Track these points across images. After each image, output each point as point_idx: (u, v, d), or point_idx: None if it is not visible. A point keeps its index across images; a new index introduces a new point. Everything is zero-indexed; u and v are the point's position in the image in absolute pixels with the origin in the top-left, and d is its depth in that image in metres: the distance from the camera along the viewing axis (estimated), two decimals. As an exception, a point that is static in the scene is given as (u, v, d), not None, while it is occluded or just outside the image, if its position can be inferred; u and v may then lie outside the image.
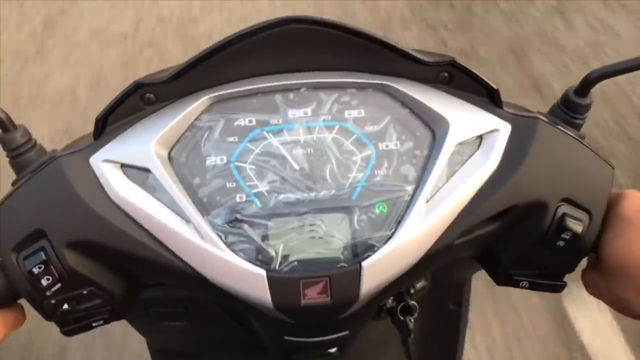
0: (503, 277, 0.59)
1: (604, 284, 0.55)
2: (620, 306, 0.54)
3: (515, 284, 0.59)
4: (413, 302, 0.70)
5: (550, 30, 3.06)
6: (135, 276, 0.56)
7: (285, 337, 0.63)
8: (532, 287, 0.59)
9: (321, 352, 0.70)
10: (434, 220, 0.51)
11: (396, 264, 0.52)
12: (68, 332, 0.56)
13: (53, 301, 0.52)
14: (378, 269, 0.51)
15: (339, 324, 0.61)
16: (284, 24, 0.50)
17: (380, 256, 0.51)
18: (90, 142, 0.54)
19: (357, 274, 0.51)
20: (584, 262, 0.59)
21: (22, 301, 0.54)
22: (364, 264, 0.51)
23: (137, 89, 0.53)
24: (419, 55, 0.53)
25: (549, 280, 0.58)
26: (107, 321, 0.57)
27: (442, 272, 0.76)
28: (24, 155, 0.54)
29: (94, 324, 0.56)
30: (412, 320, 0.70)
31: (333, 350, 0.71)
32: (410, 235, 0.51)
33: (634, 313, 0.53)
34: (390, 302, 0.71)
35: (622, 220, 0.53)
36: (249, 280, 0.51)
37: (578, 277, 0.59)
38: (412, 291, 0.72)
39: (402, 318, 0.70)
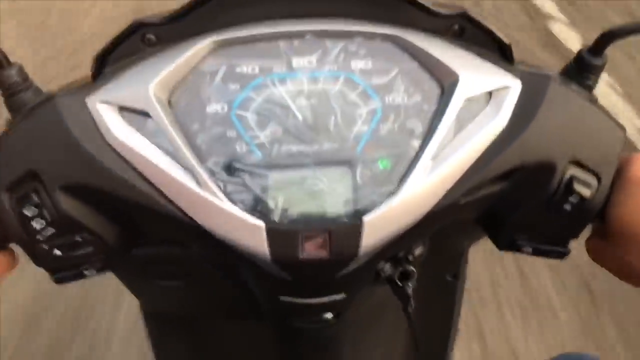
0: (506, 242, 0.58)
1: (609, 250, 0.54)
2: (625, 272, 0.53)
3: (519, 249, 0.58)
4: (412, 268, 0.69)
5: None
6: (131, 224, 0.54)
7: (281, 298, 0.62)
8: (536, 252, 0.58)
9: (317, 318, 0.70)
10: (439, 177, 0.50)
11: (398, 220, 0.51)
12: (59, 280, 0.55)
13: (45, 246, 0.51)
14: (379, 225, 0.50)
15: (336, 285, 0.60)
16: None
17: (382, 212, 0.50)
18: (88, 83, 0.52)
19: (357, 229, 0.50)
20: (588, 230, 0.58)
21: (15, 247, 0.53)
22: (365, 219, 0.49)
23: (138, 28, 0.51)
24: (430, 6, 0.51)
25: (553, 246, 0.57)
26: (99, 271, 0.56)
27: (441, 239, 0.75)
28: (19, 94, 0.52)
29: (85, 272, 0.55)
30: (411, 286, 0.69)
31: (329, 317, 0.70)
32: (414, 191, 0.50)
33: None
34: (388, 268, 0.70)
35: (631, 184, 0.52)
36: (247, 231, 0.49)
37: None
38: (410, 258, 0.71)
39: (400, 284, 0.69)
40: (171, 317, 0.93)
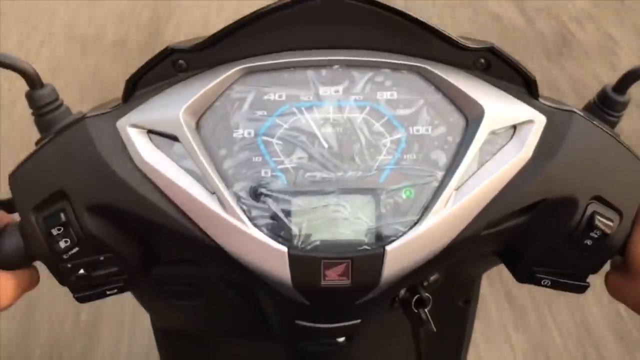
0: (525, 275, 0.58)
1: (630, 287, 0.53)
2: None
3: (537, 282, 0.58)
4: (427, 294, 0.69)
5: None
6: (154, 246, 0.55)
7: (296, 322, 0.62)
8: (554, 286, 0.58)
9: (329, 341, 0.70)
10: (461, 208, 0.50)
11: (420, 251, 0.51)
12: (81, 299, 0.55)
13: (69, 265, 0.52)
14: (401, 255, 0.50)
15: (353, 311, 0.61)
16: None
17: (405, 242, 0.50)
18: (118, 106, 0.53)
19: (380, 258, 0.50)
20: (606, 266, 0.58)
21: (38, 264, 0.54)
22: (388, 248, 0.50)
23: (170, 54, 0.52)
24: (457, 40, 0.52)
25: (572, 280, 0.57)
26: (121, 290, 0.56)
27: (457, 266, 0.75)
28: (50, 114, 0.53)
29: (108, 292, 0.55)
30: (427, 312, 0.69)
31: (341, 339, 0.70)
32: (436, 222, 0.50)
33: None
34: (403, 294, 0.70)
35: None
36: (270, 256, 0.50)
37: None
38: (425, 284, 0.71)
39: (415, 310, 0.69)
40: (184, 335, 0.93)
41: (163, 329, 0.95)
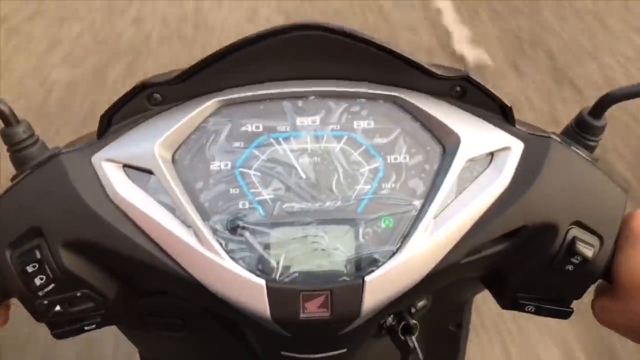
0: (509, 301, 0.58)
1: (618, 310, 0.53)
2: (636, 332, 0.52)
3: (521, 308, 0.58)
4: (414, 321, 0.68)
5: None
6: (131, 280, 0.54)
7: (282, 353, 0.61)
8: (538, 312, 0.57)
9: None
10: (441, 237, 0.50)
11: (400, 280, 0.50)
12: (59, 335, 0.54)
13: (45, 302, 0.51)
14: (381, 285, 0.50)
15: (338, 341, 0.60)
16: (294, 30, 0.49)
17: (384, 271, 0.49)
18: (93, 141, 0.53)
19: (359, 289, 0.49)
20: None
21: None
22: (367, 278, 0.49)
23: (144, 89, 0.52)
24: (432, 69, 0.52)
25: (556, 305, 0.57)
26: (99, 325, 0.55)
27: (444, 291, 0.74)
28: (25, 150, 0.53)
29: (86, 328, 0.55)
30: (414, 340, 0.69)
31: None
32: (415, 251, 0.50)
33: None
34: (390, 320, 0.69)
35: (635, 240, 0.51)
36: (248, 289, 0.49)
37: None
38: (413, 310, 0.71)
39: (402, 337, 0.68)
40: None
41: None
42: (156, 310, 0.70)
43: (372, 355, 0.83)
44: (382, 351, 0.82)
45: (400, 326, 0.68)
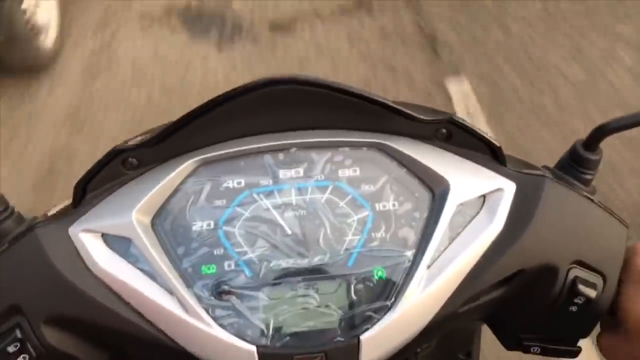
0: (513, 342, 0.56)
1: (624, 347, 0.51)
2: None
3: (526, 349, 0.55)
4: None
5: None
6: (117, 351, 0.52)
7: None
8: (544, 352, 0.55)
9: None
10: (436, 288, 0.48)
11: (397, 336, 0.48)
12: None
13: None
14: (377, 342, 0.48)
15: None
16: (268, 85, 0.48)
17: (380, 329, 0.47)
18: (69, 211, 0.51)
19: (355, 349, 0.47)
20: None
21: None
22: (362, 337, 0.47)
23: (117, 155, 0.50)
24: (414, 113, 0.50)
25: (562, 345, 0.54)
26: None
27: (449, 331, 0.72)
28: (1, 224, 0.51)
29: None
30: None
31: None
32: (411, 305, 0.47)
33: None
34: None
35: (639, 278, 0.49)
36: (239, 357, 0.47)
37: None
38: (418, 350, 0.68)
39: None
40: None
41: None
42: None
43: None
44: None
45: None
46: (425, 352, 0.69)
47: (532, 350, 0.55)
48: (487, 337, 0.69)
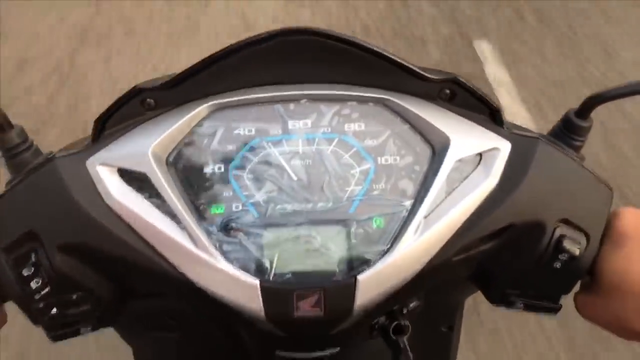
0: (498, 297, 0.59)
1: (601, 306, 0.54)
2: (618, 327, 0.53)
3: (510, 305, 0.59)
4: (406, 322, 0.69)
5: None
6: (127, 283, 0.55)
7: (276, 352, 0.62)
8: (527, 308, 0.58)
9: None
10: (431, 236, 0.51)
11: (392, 279, 0.51)
12: (55, 337, 0.55)
13: (41, 305, 0.51)
14: (373, 284, 0.51)
15: (331, 340, 0.61)
16: (284, 34, 0.50)
17: (376, 270, 0.50)
18: (88, 145, 0.53)
19: (351, 288, 0.50)
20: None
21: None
22: (360, 277, 0.50)
23: (137, 93, 0.52)
24: (421, 71, 0.53)
25: (544, 301, 0.58)
26: (95, 327, 0.56)
27: (437, 293, 0.75)
28: (20, 156, 0.53)
29: (82, 330, 0.55)
30: (405, 341, 0.69)
31: None
32: (406, 250, 0.50)
33: (634, 332, 0.52)
34: (382, 320, 0.70)
35: (621, 238, 0.53)
36: (242, 290, 0.50)
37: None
38: (405, 311, 0.71)
39: (394, 338, 0.69)
40: None
41: None
42: (150, 311, 0.71)
43: (365, 355, 0.84)
44: (374, 351, 0.83)
45: (392, 326, 0.69)
46: (412, 314, 0.72)
47: (515, 306, 0.58)
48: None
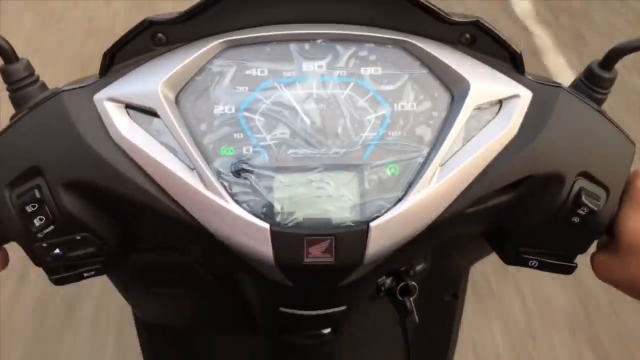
0: (512, 256, 0.57)
1: (618, 265, 0.53)
2: (635, 288, 0.52)
3: (525, 263, 0.57)
4: (413, 283, 0.68)
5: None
6: (132, 225, 0.54)
7: (280, 309, 0.61)
8: (542, 267, 0.57)
9: (314, 333, 0.68)
10: (446, 184, 0.49)
11: (404, 227, 0.50)
12: (58, 281, 0.53)
13: (44, 244, 0.50)
14: (385, 231, 0.49)
15: (338, 296, 0.59)
16: None
17: (389, 218, 0.49)
18: (95, 80, 0.52)
19: (363, 235, 0.49)
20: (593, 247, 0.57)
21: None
22: (372, 224, 0.49)
23: (148, 27, 0.50)
24: (442, 13, 0.51)
25: (559, 260, 0.56)
26: (98, 272, 0.55)
27: (443, 256, 0.74)
28: (25, 89, 0.51)
29: (85, 274, 0.54)
30: (412, 301, 0.68)
31: (327, 331, 0.69)
32: (421, 198, 0.49)
33: None
34: (389, 282, 0.69)
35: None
36: (252, 233, 0.49)
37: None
38: (411, 273, 0.70)
39: (400, 298, 0.68)
40: (166, 329, 0.92)
41: (145, 322, 0.94)
42: (154, 265, 0.69)
43: (369, 325, 0.83)
44: (378, 321, 0.82)
45: (399, 287, 0.68)
46: (419, 277, 0.71)
47: (530, 265, 0.57)
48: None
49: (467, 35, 0.53)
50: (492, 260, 0.74)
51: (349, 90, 0.51)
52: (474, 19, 0.52)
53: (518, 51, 0.53)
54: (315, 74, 0.51)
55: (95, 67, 0.52)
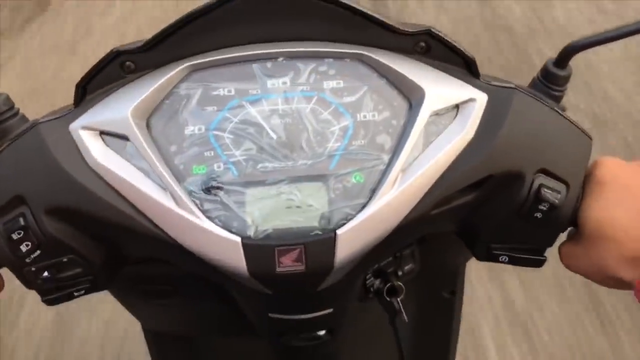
0: (483, 252, 0.59)
1: (583, 254, 0.54)
2: (601, 275, 0.54)
3: (495, 259, 0.59)
4: (399, 283, 0.70)
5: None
6: (115, 245, 0.56)
7: (270, 315, 0.63)
8: (512, 261, 0.59)
9: (310, 335, 0.70)
10: (408, 189, 0.51)
11: (371, 232, 0.52)
12: (49, 301, 0.56)
13: (33, 268, 0.53)
14: (353, 237, 0.52)
15: (321, 299, 0.61)
16: None
17: (355, 224, 0.51)
18: (70, 110, 0.55)
19: (331, 242, 0.51)
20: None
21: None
22: (339, 231, 0.51)
23: (116, 56, 0.53)
24: (395, 25, 0.53)
25: (528, 254, 0.58)
26: (88, 291, 0.57)
27: (431, 255, 0.75)
28: (5, 123, 0.54)
29: (75, 294, 0.57)
30: (400, 302, 0.70)
31: (322, 333, 0.71)
32: (384, 203, 0.51)
33: (615, 279, 0.52)
34: (377, 283, 0.71)
35: (600, 186, 0.53)
36: (225, 247, 0.51)
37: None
38: (400, 273, 0.72)
39: (388, 299, 0.70)
40: (171, 336, 0.94)
41: (151, 330, 0.96)
42: (146, 277, 0.72)
43: (367, 327, 0.85)
44: (376, 322, 0.84)
45: (386, 288, 0.69)
46: (408, 277, 0.73)
47: (500, 260, 0.59)
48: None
49: (422, 44, 0.55)
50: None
51: (313, 104, 0.53)
52: (426, 29, 0.54)
53: (471, 56, 0.55)
54: (279, 91, 0.54)
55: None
